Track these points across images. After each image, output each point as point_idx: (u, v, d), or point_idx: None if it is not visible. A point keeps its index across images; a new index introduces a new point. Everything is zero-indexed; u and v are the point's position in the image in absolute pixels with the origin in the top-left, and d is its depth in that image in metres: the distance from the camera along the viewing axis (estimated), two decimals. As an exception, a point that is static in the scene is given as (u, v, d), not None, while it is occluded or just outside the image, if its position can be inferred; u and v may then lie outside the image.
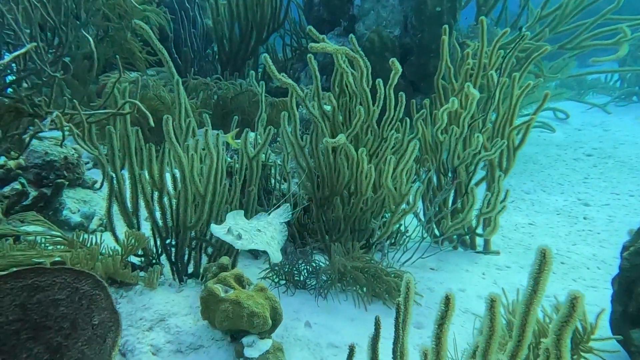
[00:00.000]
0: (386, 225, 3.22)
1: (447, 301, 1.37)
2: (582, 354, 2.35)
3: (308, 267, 2.88)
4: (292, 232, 3.31)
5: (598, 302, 3.59)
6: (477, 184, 3.96)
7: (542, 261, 1.27)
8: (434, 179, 3.86)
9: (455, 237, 3.92)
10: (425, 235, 3.68)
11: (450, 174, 3.65)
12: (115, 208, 2.68)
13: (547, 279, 1.28)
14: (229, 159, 3.43)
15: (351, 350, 1.60)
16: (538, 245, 1.27)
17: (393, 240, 3.74)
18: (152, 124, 2.68)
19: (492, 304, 1.38)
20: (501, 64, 3.81)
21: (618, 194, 5.57)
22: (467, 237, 4.01)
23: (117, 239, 2.68)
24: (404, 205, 3.30)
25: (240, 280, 2.31)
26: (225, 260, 2.44)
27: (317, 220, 3.32)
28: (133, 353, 2.13)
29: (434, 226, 3.89)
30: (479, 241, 4.07)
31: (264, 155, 3.56)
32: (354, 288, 2.98)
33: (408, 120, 3.27)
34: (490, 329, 1.39)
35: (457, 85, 3.93)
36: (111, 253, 2.48)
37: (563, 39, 6.09)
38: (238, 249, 2.74)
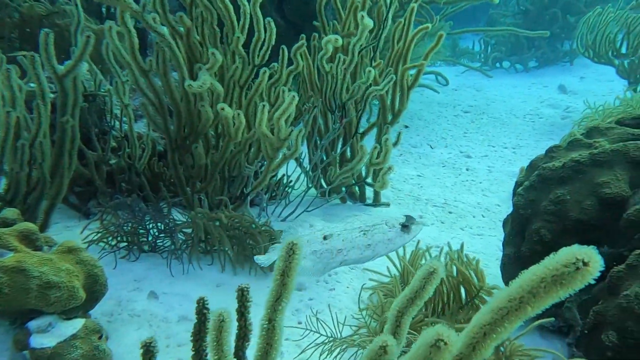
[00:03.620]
0: (263, 174, 2.61)
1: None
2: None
3: (160, 225, 2.15)
4: (141, 182, 2.52)
5: (485, 249, 3.44)
6: (367, 131, 3.57)
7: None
8: (320, 120, 3.34)
9: (343, 189, 3.47)
10: (310, 185, 3.17)
11: (337, 112, 3.15)
12: None
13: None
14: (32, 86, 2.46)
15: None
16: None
17: (274, 193, 3.15)
18: None
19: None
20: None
21: (494, 146, 5.71)
22: (357, 189, 3.60)
23: None
24: (284, 150, 2.72)
25: (30, 239, 1.51)
26: (10, 213, 1.61)
27: (174, 166, 2.57)
28: None
29: (320, 176, 3.40)
30: (369, 193, 3.70)
31: (91, 81, 2.66)
32: (221, 249, 2.33)
33: (285, 49, 2.66)
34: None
35: (344, 14, 3.41)
36: None
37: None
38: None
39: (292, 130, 2.47)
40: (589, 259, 0.69)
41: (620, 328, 1.98)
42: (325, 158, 3.32)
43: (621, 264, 2.19)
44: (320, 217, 3.16)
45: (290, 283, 0.91)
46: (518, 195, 2.64)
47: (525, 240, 2.56)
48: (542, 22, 9.56)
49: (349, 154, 3.48)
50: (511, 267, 2.66)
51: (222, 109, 2.25)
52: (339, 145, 3.40)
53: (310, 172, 3.19)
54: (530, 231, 2.53)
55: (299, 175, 3.27)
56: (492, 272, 2.86)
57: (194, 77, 2.45)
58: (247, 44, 2.64)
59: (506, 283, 2.73)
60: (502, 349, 1.95)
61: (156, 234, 2.20)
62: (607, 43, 6.06)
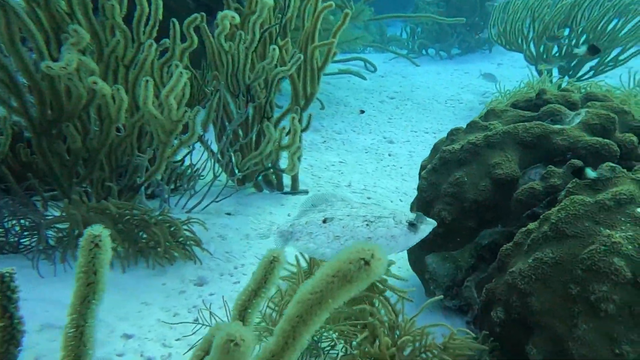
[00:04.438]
0: (157, 161, 2.44)
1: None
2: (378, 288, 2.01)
3: (25, 221, 1.94)
4: (2, 172, 2.27)
5: (401, 231, 3.47)
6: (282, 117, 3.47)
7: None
8: (230, 103, 3.18)
9: (260, 178, 3.37)
10: (217, 174, 3.03)
11: (242, 95, 3.01)
12: None
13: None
14: None
15: None
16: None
17: (179, 183, 2.98)
18: None
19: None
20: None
21: (416, 132, 5.84)
22: (273, 177, 3.51)
23: None
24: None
25: None
26: None
27: (41, 154, 2.32)
28: None
29: (233, 163, 3.26)
30: (287, 181, 3.62)
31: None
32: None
33: (175, 22, 2.48)
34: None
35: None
36: None
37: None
38: None
39: (186, 112, 2.31)
40: (370, 258, 0.65)
41: (506, 304, 2.06)
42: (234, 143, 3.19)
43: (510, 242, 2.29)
44: (231, 207, 3.04)
45: (100, 282, 0.80)
46: (422, 178, 2.68)
47: (428, 222, 2.61)
48: (463, 10, 9.90)
49: (253, 136, 3.37)
50: (416, 249, 2.70)
51: (95, 82, 2.03)
52: (254, 132, 3.28)
53: (221, 159, 3.05)
54: (432, 214, 2.58)
55: (207, 163, 3.11)
56: (404, 255, 2.90)
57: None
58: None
59: (412, 266, 2.78)
60: (397, 332, 1.96)
61: (19, 231, 1.98)
62: (517, 30, 6.37)
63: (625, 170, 2.09)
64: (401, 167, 4.78)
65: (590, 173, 2.08)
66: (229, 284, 2.35)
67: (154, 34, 2.36)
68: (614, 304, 1.83)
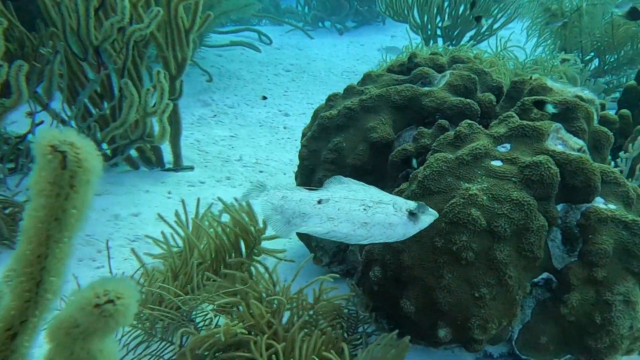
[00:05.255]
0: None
1: None
2: (255, 257, 1.95)
3: None
4: None
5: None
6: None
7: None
8: (89, 71, 2.83)
9: (134, 153, 3.10)
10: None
11: (91, 58, 2.68)
12: None
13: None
14: None
15: None
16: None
17: (22, 162, 2.62)
18: None
19: None
20: None
21: (312, 104, 5.84)
22: (152, 153, 3.26)
23: None
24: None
25: None
26: None
27: None
28: None
29: (99, 138, 2.94)
30: (168, 157, 3.39)
31: None
32: None
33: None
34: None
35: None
36: None
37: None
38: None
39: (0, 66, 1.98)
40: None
41: (382, 262, 2.12)
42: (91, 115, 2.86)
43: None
44: (100, 187, 2.76)
45: None
46: (302, 146, 2.64)
47: (311, 190, 2.59)
48: (356, -18, 10.01)
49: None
50: (301, 218, 2.69)
51: None
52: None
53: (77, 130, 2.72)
54: (314, 181, 2.57)
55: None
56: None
57: None
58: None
59: (299, 235, 2.76)
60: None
61: None
62: (402, 1, 6.60)
63: (481, 126, 2.23)
64: (296, 140, 4.75)
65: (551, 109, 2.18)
66: (90, 270, 2.13)
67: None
68: (472, 251, 1.96)
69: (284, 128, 5.02)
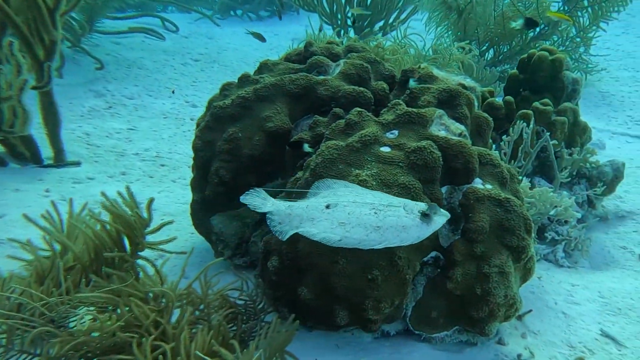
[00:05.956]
0: None
1: None
2: (140, 253, 1.85)
3: None
4: None
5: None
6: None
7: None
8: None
9: (0, 149, 2.76)
10: None
11: None
12: None
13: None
14: None
15: None
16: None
17: None
18: None
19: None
20: None
21: (221, 94, 5.68)
22: (24, 148, 2.94)
23: None
24: None
25: None
26: None
27: None
28: None
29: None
30: (48, 152, 3.09)
31: None
32: None
33: None
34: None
35: None
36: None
37: None
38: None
39: None
40: None
41: (279, 252, 2.12)
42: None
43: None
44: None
45: None
46: (196, 137, 2.55)
47: (208, 183, 2.52)
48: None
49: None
50: (200, 212, 2.60)
51: None
52: None
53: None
54: (211, 173, 2.49)
55: None
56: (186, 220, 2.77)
57: None
58: None
59: (197, 229, 2.68)
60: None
61: None
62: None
63: (371, 114, 2.29)
64: (204, 131, 4.59)
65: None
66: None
67: None
68: (364, 235, 2.02)
69: (191, 120, 4.83)
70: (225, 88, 2.61)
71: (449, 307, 2.18)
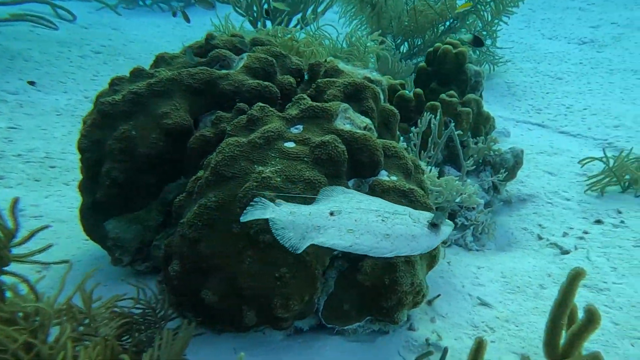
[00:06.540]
0: None
1: None
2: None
3: None
4: None
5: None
6: None
7: None
8: None
9: None
10: None
11: None
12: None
13: None
14: None
15: None
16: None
17: None
18: None
19: None
20: None
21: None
22: None
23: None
24: None
25: None
26: None
27: None
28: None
29: None
30: None
31: None
32: None
33: None
34: None
35: None
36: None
37: None
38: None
39: None
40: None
41: (180, 255, 1.99)
42: None
43: (184, 193, 2.21)
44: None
45: None
46: (81, 136, 2.31)
47: (99, 185, 2.30)
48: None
49: None
50: (91, 217, 2.38)
51: None
52: None
53: None
54: (102, 174, 2.28)
55: None
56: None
57: None
58: None
59: (88, 234, 2.44)
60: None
61: None
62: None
63: (274, 109, 2.22)
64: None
65: None
66: None
67: None
68: (269, 234, 1.94)
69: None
70: (115, 82, 2.40)
71: (360, 298, 2.19)
